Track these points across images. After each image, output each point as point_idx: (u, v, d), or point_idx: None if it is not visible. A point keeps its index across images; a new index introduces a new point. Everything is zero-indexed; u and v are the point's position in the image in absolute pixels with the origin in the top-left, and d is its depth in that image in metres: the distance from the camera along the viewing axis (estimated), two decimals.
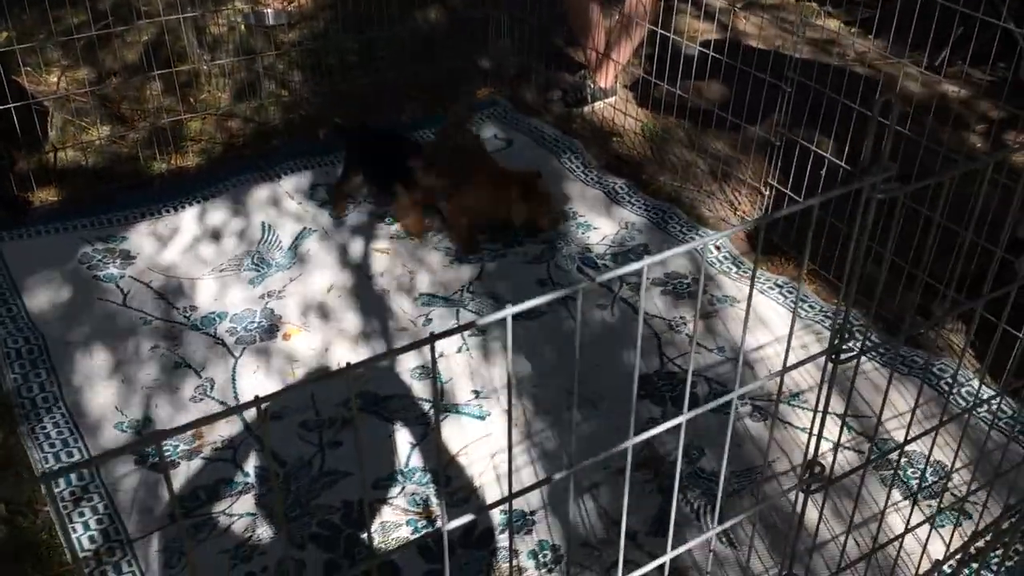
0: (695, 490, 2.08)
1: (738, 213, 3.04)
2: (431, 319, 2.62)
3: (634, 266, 0.83)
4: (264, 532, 2.00)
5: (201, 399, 2.34)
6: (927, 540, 1.78)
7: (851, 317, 2.53)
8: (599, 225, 2.99)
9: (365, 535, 1.99)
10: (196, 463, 2.16)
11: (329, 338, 2.54)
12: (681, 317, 2.59)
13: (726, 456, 1.09)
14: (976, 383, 2.26)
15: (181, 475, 2.13)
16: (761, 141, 3.04)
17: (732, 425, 1.61)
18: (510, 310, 0.79)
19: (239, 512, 2.04)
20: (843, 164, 2.68)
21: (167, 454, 2.18)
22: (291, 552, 1.95)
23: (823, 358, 0.98)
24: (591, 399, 2.31)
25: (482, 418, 2.28)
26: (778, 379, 1.24)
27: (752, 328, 2.54)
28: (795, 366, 0.97)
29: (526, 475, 2.13)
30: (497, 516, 2.04)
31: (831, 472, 1.13)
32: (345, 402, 2.31)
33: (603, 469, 2.13)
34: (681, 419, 0.95)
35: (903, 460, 2.15)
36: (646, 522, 2.01)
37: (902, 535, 1.59)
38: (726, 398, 1.02)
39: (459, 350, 2.48)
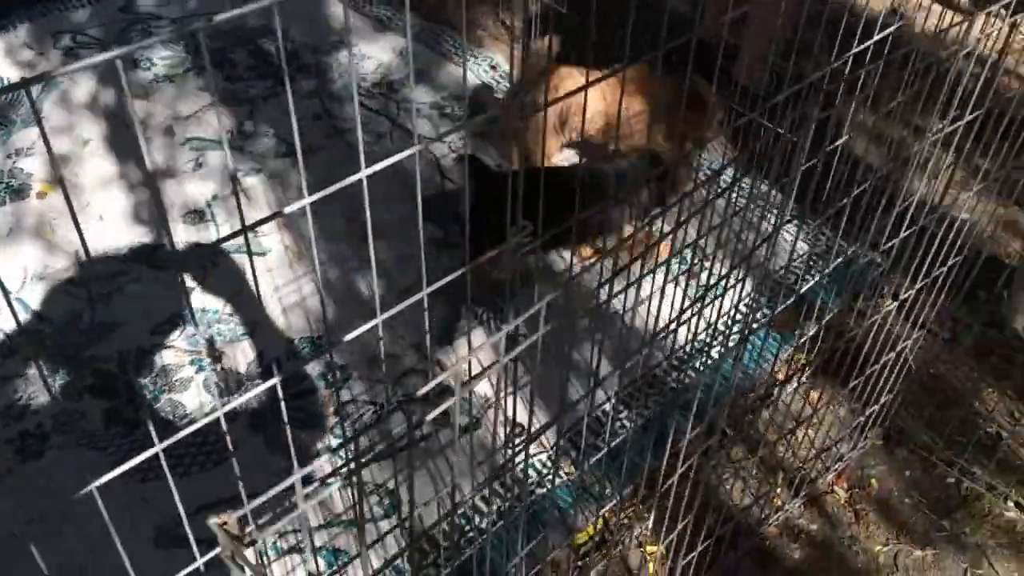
0: (482, 304, 2.14)
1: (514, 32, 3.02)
2: (202, 163, 2.50)
3: None
4: (34, 390, 1.90)
5: None
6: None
7: None
8: (372, 54, 2.89)
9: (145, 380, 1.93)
10: None
11: (90, 193, 2.38)
12: (461, 139, 2.59)
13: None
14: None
15: None
16: None
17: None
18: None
19: (3, 375, 1.93)
20: None
21: None
22: (66, 404, 1.87)
23: None
24: (378, 228, 2.29)
25: (263, 254, 2.23)
26: None
27: None
28: None
29: (312, 303, 2.12)
30: (284, 344, 2.03)
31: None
32: (112, 256, 2.20)
33: (391, 292, 2.15)
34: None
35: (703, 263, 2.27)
36: (434, 335, 2.05)
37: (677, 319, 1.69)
38: None
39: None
